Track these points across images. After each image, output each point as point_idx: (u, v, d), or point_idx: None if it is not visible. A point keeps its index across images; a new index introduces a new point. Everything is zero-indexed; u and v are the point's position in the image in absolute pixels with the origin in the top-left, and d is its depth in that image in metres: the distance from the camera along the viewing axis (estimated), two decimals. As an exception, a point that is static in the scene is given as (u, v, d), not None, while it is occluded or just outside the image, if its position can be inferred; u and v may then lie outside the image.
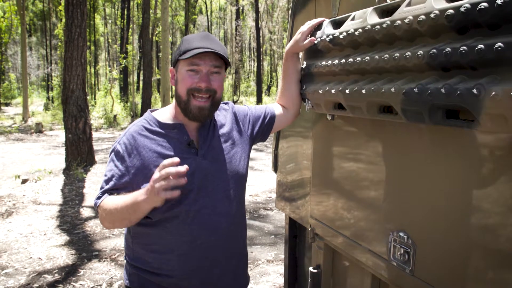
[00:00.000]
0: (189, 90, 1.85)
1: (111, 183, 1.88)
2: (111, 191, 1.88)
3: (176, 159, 1.62)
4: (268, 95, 40.11)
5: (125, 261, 2.07)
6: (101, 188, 1.90)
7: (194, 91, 1.85)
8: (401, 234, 1.62)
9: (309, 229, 2.37)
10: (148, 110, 2.05)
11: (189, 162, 1.87)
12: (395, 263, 1.65)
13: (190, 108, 1.87)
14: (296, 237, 2.93)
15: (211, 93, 1.86)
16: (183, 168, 1.61)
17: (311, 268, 2.39)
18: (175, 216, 1.86)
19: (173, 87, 1.96)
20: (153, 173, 1.83)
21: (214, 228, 1.91)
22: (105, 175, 1.92)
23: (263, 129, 2.17)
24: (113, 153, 1.93)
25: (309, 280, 2.39)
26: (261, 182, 9.69)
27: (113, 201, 1.81)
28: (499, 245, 1.24)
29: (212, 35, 1.95)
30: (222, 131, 2.02)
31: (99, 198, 1.89)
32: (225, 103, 2.16)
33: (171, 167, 1.60)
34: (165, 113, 2.00)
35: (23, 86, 26.75)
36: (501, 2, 1.07)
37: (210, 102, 1.88)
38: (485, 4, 1.11)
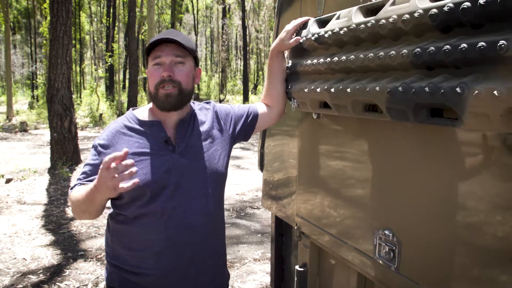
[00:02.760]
0: (157, 84, 1.87)
1: (87, 176, 1.91)
2: (84, 181, 1.89)
3: (119, 154, 1.59)
4: (255, 94, 40.07)
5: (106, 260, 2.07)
6: (78, 179, 1.93)
7: (160, 84, 1.87)
8: (387, 232, 1.63)
9: (295, 227, 2.37)
10: (131, 108, 2.06)
11: (166, 159, 1.89)
12: (380, 261, 1.66)
13: (158, 97, 1.88)
14: (282, 235, 2.94)
15: (176, 85, 1.87)
16: (130, 161, 1.60)
17: (297, 267, 2.40)
18: (151, 213, 1.87)
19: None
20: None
21: (191, 226, 1.91)
22: (84, 167, 1.95)
23: (245, 128, 2.17)
24: (93, 148, 1.96)
25: (296, 279, 2.40)
26: (247, 181, 9.69)
27: (76, 192, 1.84)
28: (483, 242, 1.26)
29: (176, 30, 1.98)
30: (202, 129, 2.02)
31: (72, 188, 1.91)
32: (207, 103, 2.17)
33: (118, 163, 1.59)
34: (145, 110, 2.01)
35: (7, 84, 26.45)
36: (483, 2, 1.08)
37: (178, 90, 1.88)
38: (468, 3, 1.12)
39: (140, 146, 1.89)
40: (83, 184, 1.88)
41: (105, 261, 2.06)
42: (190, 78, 1.94)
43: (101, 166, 1.60)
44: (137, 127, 1.93)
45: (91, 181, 1.87)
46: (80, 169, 10.40)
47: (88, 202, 1.77)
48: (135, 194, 1.85)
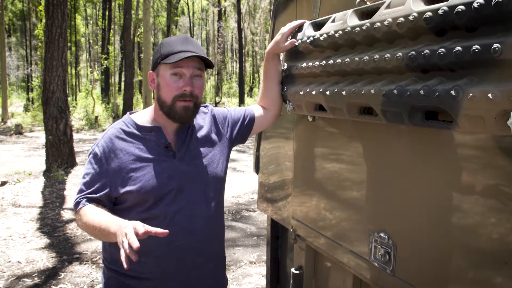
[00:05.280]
0: (176, 97, 1.85)
1: (89, 186, 1.88)
2: (89, 195, 1.87)
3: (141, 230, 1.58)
4: (250, 96, 40.10)
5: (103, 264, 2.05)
6: (81, 191, 1.90)
7: (180, 97, 1.85)
8: (382, 234, 1.63)
9: (291, 230, 2.37)
10: (128, 113, 2.04)
11: (166, 164, 1.88)
12: (376, 264, 1.66)
13: (175, 110, 1.87)
14: (278, 238, 2.93)
15: (193, 98, 1.88)
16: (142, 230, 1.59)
17: (293, 269, 2.40)
18: (153, 218, 1.85)
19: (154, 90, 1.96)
20: (130, 177, 1.84)
21: (192, 230, 1.91)
22: (83, 177, 1.92)
23: (242, 131, 2.17)
24: (91, 156, 1.92)
25: (291, 281, 2.39)
26: (243, 184, 9.69)
27: (90, 216, 1.80)
28: (478, 244, 1.26)
29: (192, 38, 1.96)
30: (201, 133, 2.03)
31: (78, 203, 1.88)
32: (205, 106, 2.16)
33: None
34: (144, 115, 2.00)
35: (2, 87, 26.35)
36: (477, 5, 1.08)
37: (193, 103, 1.89)
38: (462, 7, 1.13)
39: (141, 151, 1.89)
40: (90, 198, 1.86)
41: (101, 265, 2.04)
42: (203, 91, 1.96)
43: (133, 228, 1.57)
44: (136, 132, 1.92)
45: (94, 192, 1.86)
46: (75, 171, 10.41)
47: (103, 236, 1.77)
48: (138, 200, 1.84)
